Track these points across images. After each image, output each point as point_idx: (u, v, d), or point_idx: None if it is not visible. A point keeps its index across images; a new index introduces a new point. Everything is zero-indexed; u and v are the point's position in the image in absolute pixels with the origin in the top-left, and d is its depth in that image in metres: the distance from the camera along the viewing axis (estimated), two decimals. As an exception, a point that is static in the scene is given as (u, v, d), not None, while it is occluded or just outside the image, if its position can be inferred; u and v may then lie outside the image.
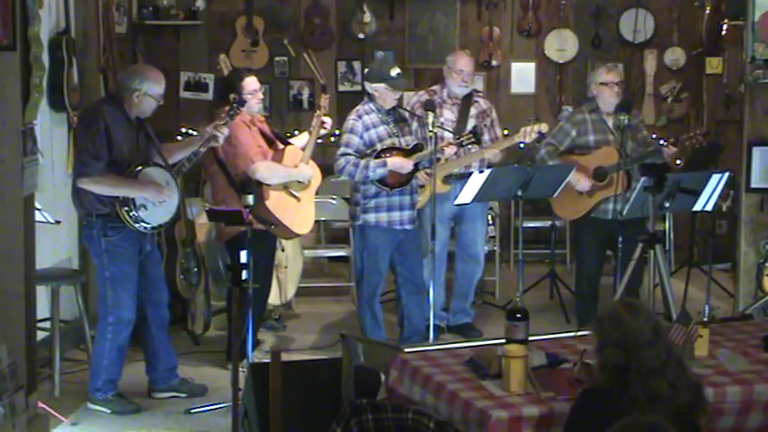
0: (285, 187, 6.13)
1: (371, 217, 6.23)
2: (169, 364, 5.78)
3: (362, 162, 6.13)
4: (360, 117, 6.22)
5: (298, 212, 6.19)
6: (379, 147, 6.18)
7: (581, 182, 6.53)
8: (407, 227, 6.30)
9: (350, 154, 6.16)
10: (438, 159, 6.25)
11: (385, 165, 6.12)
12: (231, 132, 5.81)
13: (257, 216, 5.70)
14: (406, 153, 6.20)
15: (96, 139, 5.32)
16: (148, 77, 5.47)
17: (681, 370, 3.36)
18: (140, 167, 5.38)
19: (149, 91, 5.43)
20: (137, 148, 5.46)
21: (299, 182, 6.19)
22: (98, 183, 5.34)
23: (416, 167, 6.20)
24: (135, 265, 5.51)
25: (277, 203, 6.06)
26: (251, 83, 6.10)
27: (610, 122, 6.55)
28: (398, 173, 6.17)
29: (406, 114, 6.46)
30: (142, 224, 5.38)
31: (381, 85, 6.20)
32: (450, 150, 6.33)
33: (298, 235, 6.37)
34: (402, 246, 6.36)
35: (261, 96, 6.19)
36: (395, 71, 6.22)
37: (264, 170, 5.98)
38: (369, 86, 6.30)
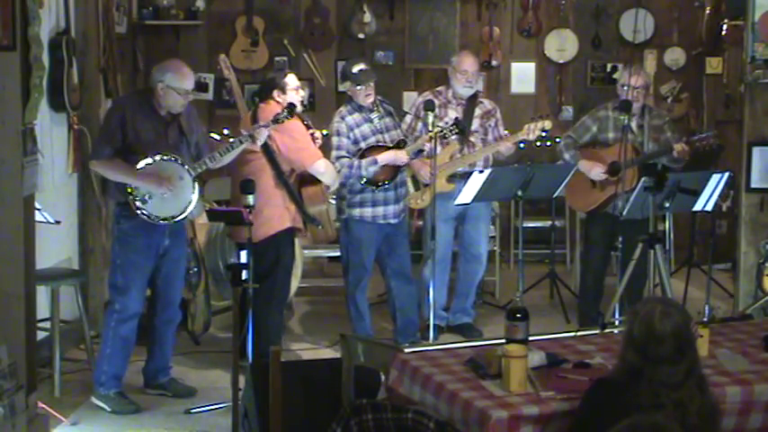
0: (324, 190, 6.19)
1: (356, 211, 6.34)
2: (161, 363, 5.82)
3: (355, 163, 6.23)
4: (343, 118, 6.33)
5: (330, 217, 6.30)
6: (363, 145, 6.28)
7: (593, 169, 6.59)
8: (392, 221, 6.37)
9: (344, 156, 6.27)
10: (421, 151, 6.36)
11: (376, 162, 6.22)
12: (291, 126, 5.88)
13: (308, 214, 5.94)
14: (390, 150, 6.27)
15: (111, 125, 5.51)
16: (171, 69, 5.52)
17: (696, 393, 3.30)
18: (151, 159, 5.42)
19: (171, 83, 5.46)
20: (164, 142, 5.50)
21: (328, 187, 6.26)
22: (104, 166, 5.51)
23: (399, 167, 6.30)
24: (146, 258, 5.55)
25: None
26: (293, 80, 6.11)
27: (632, 122, 6.54)
28: (388, 168, 6.25)
29: (391, 109, 6.52)
30: (143, 212, 5.41)
31: (348, 83, 6.33)
32: (428, 144, 6.27)
33: (331, 238, 6.41)
34: (389, 239, 6.44)
35: (303, 94, 6.17)
36: (357, 67, 6.30)
37: (326, 167, 6.03)
38: (342, 87, 6.48)
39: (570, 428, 3.48)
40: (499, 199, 7.54)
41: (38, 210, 5.45)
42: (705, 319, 4.43)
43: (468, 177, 6.22)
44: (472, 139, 6.71)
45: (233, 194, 6.12)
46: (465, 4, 9.10)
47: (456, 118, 6.58)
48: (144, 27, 8.59)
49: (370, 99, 6.32)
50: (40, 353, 5.66)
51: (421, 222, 7.16)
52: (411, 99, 7.81)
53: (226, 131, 8.34)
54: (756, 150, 6.65)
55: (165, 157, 5.44)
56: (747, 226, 6.74)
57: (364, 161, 6.21)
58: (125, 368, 5.65)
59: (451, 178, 6.62)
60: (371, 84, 6.30)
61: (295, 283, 7.18)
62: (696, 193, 5.76)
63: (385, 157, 6.23)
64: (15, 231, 4.92)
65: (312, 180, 6.07)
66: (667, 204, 5.69)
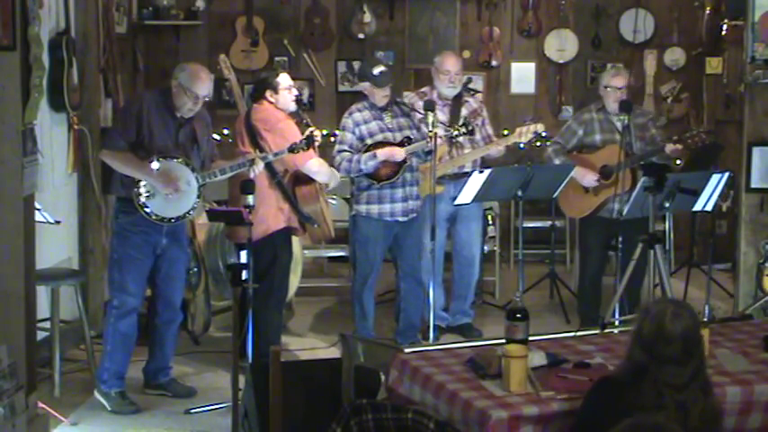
0: (321, 189, 6.18)
1: (363, 208, 6.38)
2: (161, 363, 5.83)
3: (355, 157, 6.25)
4: (351, 114, 6.39)
5: (327, 216, 6.26)
6: (369, 141, 6.30)
7: (586, 177, 6.56)
8: (400, 218, 6.37)
9: (345, 150, 6.31)
10: (429, 153, 6.31)
11: (375, 157, 6.22)
12: (283, 126, 5.88)
13: (303, 213, 5.94)
14: (389, 146, 6.29)
15: (126, 118, 5.57)
16: (188, 70, 5.56)
17: (700, 396, 3.30)
18: (160, 158, 5.43)
19: (184, 83, 5.50)
20: (175, 144, 5.52)
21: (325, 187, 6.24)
22: (113, 157, 5.50)
23: (405, 161, 6.26)
24: (144, 254, 5.56)
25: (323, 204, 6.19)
26: (286, 79, 6.11)
27: (617, 122, 6.55)
28: (391, 164, 6.25)
29: (409, 110, 6.54)
30: (146, 210, 5.43)
31: (366, 84, 6.36)
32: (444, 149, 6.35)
33: (328, 237, 6.39)
34: (399, 239, 6.45)
35: (296, 93, 6.16)
36: (377, 69, 6.32)
37: (319, 166, 6.00)
38: (358, 86, 6.55)
39: (572, 426, 3.48)
40: (499, 199, 7.54)
41: (38, 210, 5.44)
42: (705, 319, 4.44)
43: (458, 179, 6.23)
44: (460, 139, 6.68)
45: (231, 194, 6.12)
46: (465, 4, 9.10)
47: (464, 117, 6.60)
48: (144, 27, 8.60)
49: (387, 100, 6.36)
50: (40, 353, 5.66)
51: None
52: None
53: (226, 131, 8.36)
54: (756, 150, 6.65)
55: (177, 160, 5.46)
56: (747, 226, 6.74)
57: (364, 156, 6.23)
58: (127, 365, 5.65)
59: (440, 180, 6.61)
60: (389, 85, 6.34)
61: (295, 283, 7.18)
62: (696, 193, 5.76)
63: (383, 152, 6.23)
64: (15, 231, 4.92)
65: (307, 180, 6.06)
66: (667, 204, 5.69)
